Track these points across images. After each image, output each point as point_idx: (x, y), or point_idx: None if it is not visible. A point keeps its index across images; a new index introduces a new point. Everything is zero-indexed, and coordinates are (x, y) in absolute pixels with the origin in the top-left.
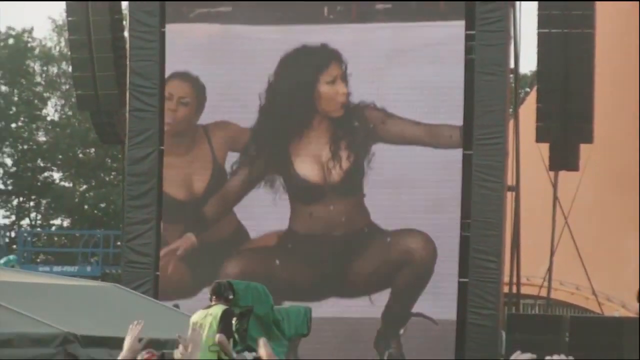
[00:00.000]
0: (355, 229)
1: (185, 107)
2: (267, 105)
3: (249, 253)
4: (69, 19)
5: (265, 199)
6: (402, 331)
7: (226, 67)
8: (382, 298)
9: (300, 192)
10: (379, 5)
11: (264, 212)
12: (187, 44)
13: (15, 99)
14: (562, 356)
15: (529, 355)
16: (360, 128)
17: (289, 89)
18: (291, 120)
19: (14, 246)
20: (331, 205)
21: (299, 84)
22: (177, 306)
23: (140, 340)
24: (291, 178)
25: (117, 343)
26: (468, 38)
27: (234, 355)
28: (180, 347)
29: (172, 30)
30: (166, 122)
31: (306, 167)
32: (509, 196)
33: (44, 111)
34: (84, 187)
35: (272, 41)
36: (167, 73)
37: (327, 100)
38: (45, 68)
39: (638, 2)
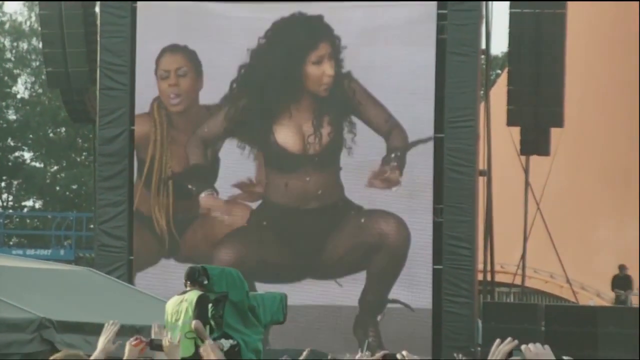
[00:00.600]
0: (329, 202)
1: (184, 78)
2: (248, 82)
3: (230, 237)
4: None
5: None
6: (379, 318)
7: (201, 44)
8: (353, 282)
9: (277, 161)
10: None
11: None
12: (159, 21)
13: None
14: (538, 345)
15: (509, 340)
16: (341, 101)
17: (273, 64)
18: (275, 97)
19: None
20: (307, 177)
21: (284, 58)
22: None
23: (114, 343)
24: (270, 146)
25: (93, 329)
26: (440, 17)
27: (211, 342)
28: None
29: (144, 7)
30: (172, 102)
31: (286, 137)
32: (481, 181)
33: (14, 89)
34: (55, 167)
35: (246, 19)
36: (147, 51)
37: (313, 81)
38: (15, 44)
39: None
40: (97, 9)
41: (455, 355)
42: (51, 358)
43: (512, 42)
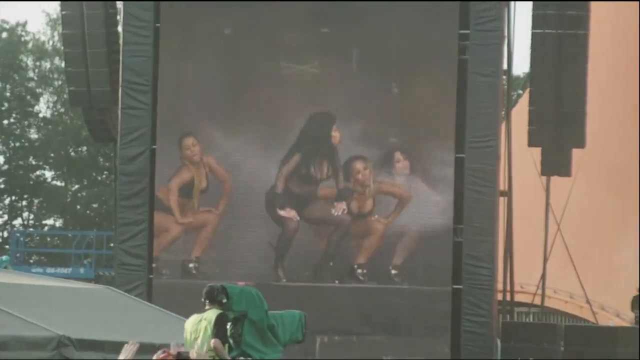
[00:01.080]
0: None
1: None
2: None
3: None
4: (63, 12)
5: None
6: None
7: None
8: None
9: None
10: None
11: None
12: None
13: (8, 94)
14: None
15: None
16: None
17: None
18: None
19: (7, 246)
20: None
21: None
22: None
23: None
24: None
25: (112, 347)
26: (462, 38)
27: None
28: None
29: (167, 27)
30: None
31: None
32: (501, 201)
33: (36, 108)
34: (76, 186)
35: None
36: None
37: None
38: (38, 63)
39: (638, 2)
40: (120, 29)
41: None
42: None
43: (533, 63)
